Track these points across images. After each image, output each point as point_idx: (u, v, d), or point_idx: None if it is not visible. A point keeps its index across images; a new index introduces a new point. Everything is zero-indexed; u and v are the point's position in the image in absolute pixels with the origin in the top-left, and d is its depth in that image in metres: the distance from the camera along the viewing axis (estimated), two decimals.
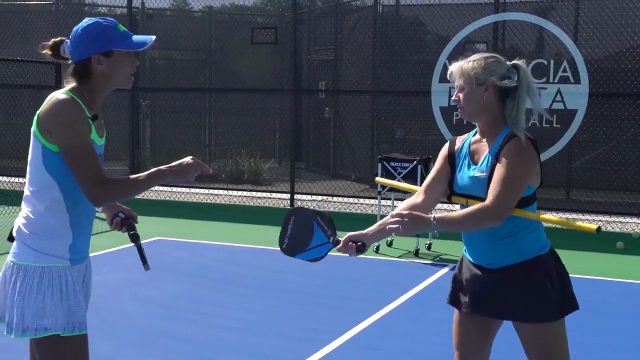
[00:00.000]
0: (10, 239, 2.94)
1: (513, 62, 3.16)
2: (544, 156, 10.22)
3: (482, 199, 3.04)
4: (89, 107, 2.88)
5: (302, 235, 3.27)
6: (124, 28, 2.92)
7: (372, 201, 11.29)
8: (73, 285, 2.86)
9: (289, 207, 11.74)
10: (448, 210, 3.76)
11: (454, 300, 3.27)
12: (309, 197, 12.19)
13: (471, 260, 3.22)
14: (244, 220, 10.42)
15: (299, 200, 11.95)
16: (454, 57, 10.50)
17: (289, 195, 11.95)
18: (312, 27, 14.35)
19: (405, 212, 2.94)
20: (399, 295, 6.49)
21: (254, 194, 12.50)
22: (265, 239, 8.92)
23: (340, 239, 3.12)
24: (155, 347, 5.17)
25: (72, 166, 2.77)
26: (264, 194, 12.59)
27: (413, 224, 2.90)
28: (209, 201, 12.13)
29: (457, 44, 10.52)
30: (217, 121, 15.02)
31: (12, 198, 11.25)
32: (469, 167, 3.16)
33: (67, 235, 2.86)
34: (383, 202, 8.84)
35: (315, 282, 7.01)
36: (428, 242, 8.40)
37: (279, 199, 12.28)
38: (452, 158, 3.23)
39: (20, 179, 13.35)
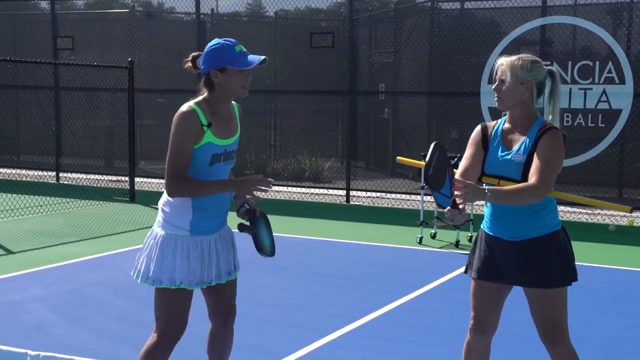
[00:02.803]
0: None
1: (548, 68, 3.63)
2: (590, 154, 10.55)
3: (514, 180, 3.51)
4: (213, 112, 3.54)
5: (438, 174, 3.33)
6: (242, 48, 3.53)
7: (425, 197, 11.78)
8: (187, 251, 3.56)
9: (345, 202, 12.35)
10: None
11: (469, 269, 3.76)
12: (365, 193, 12.75)
13: (492, 234, 3.65)
14: (302, 215, 11.07)
15: (354, 196, 12.54)
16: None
17: (345, 192, 12.54)
18: (374, 30, 14.86)
19: (468, 182, 3.33)
20: (433, 280, 7.02)
21: (312, 190, 13.14)
22: (319, 231, 9.56)
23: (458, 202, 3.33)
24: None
25: (166, 160, 3.49)
26: (322, 191, 13.20)
27: (473, 193, 3.31)
28: (270, 197, 12.81)
29: (505, 46, 10.92)
30: (282, 122, 15.68)
31: (88, 193, 12.19)
32: (502, 152, 3.59)
33: (188, 212, 3.56)
34: (426, 197, 9.35)
35: (360, 268, 7.61)
36: (469, 234, 8.88)
37: (336, 195, 12.87)
38: (485, 143, 3.66)
39: (96, 176, 14.33)
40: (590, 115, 10.51)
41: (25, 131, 15.82)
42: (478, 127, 3.74)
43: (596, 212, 10.84)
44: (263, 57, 3.52)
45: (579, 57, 10.70)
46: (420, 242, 8.79)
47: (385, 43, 14.43)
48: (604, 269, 7.80)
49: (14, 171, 15.26)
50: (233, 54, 3.49)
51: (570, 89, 10.49)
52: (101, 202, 11.83)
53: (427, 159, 3.31)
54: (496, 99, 3.60)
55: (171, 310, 3.60)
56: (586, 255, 8.36)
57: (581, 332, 5.46)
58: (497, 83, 3.59)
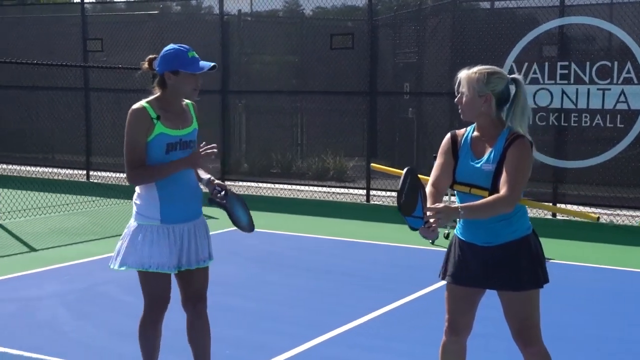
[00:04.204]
0: None
1: (513, 76, 3.72)
2: (610, 154, 10.51)
3: (484, 188, 3.60)
4: (164, 108, 3.88)
5: (410, 199, 3.42)
6: (194, 54, 3.89)
7: (445, 197, 11.86)
8: (157, 238, 3.89)
9: (365, 202, 12.45)
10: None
11: (444, 275, 3.85)
12: (385, 193, 12.84)
13: (465, 240, 3.75)
14: (321, 214, 11.22)
15: (374, 195, 12.64)
16: (520, 60, 11.00)
17: (365, 191, 12.65)
18: (398, 30, 14.90)
19: (440, 206, 3.43)
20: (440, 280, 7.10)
21: (334, 189, 13.28)
22: (337, 231, 9.70)
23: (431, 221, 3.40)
24: (217, 319, 6.01)
25: (124, 153, 3.88)
26: (344, 190, 13.31)
27: (446, 216, 3.44)
28: (292, 196, 12.97)
29: (523, 47, 10.94)
30: (308, 121, 15.82)
31: (115, 192, 12.46)
32: (472, 160, 3.67)
33: (156, 203, 3.90)
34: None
35: (369, 267, 7.76)
36: None
37: (357, 194, 12.98)
38: (456, 152, 3.74)
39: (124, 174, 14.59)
40: (608, 115, 10.47)
41: (59, 131, 16.20)
42: (448, 136, 3.80)
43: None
44: (213, 64, 3.86)
45: (597, 58, 10.66)
46: (432, 243, 8.88)
47: (409, 43, 14.49)
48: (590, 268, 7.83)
49: (48, 170, 15.65)
50: (186, 59, 3.85)
51: (589, 90, 10.46)
52: (127, 201, 12.09)
53: (399, 186, 3.41)
54: (460, 111, 3.70)
55: (150, 289, 4.01)
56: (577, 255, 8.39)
57: (572, 332, 5.54)
58: (458, 96, 3.69)
